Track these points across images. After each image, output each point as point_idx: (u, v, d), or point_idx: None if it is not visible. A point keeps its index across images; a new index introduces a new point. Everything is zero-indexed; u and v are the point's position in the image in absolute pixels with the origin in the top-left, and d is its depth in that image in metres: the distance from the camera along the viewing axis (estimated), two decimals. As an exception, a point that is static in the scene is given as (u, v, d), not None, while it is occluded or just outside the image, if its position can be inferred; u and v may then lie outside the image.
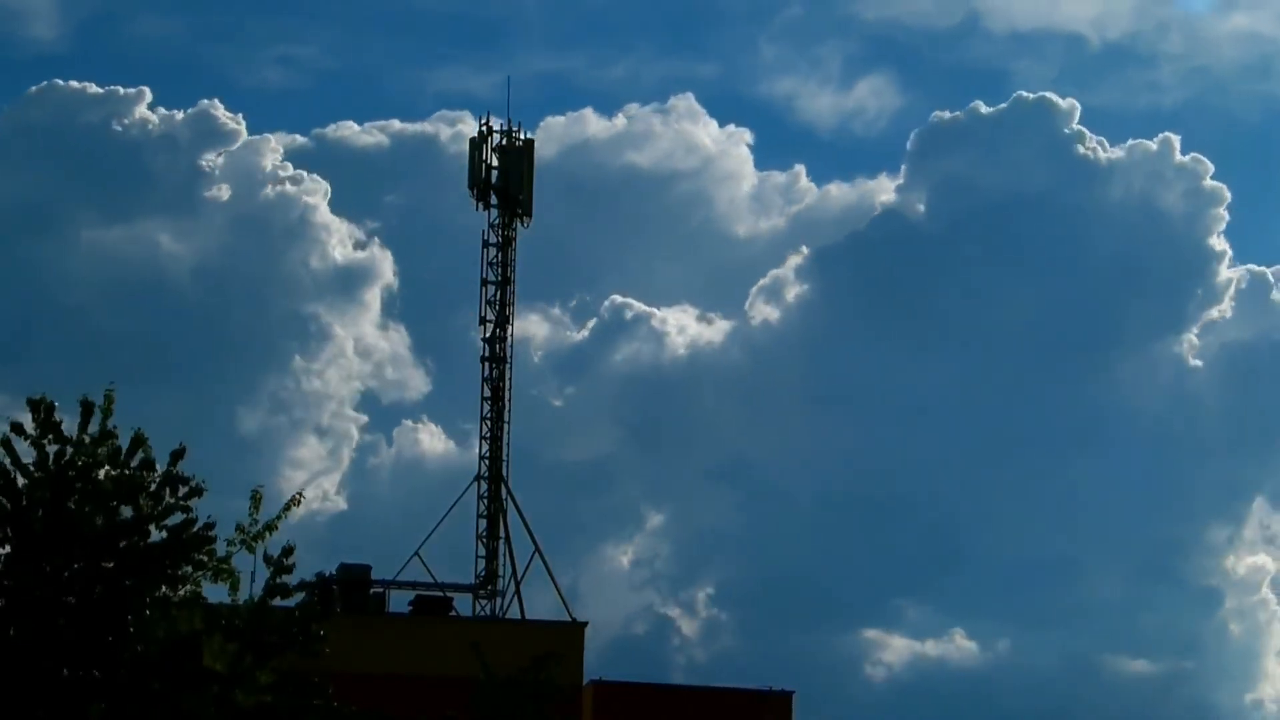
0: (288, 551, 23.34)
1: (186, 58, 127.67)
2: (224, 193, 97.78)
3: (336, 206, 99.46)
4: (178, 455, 23.09)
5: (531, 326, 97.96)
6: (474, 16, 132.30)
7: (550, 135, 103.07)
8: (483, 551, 67.88)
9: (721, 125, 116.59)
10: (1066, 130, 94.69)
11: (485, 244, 69.75)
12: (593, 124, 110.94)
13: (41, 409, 22.77)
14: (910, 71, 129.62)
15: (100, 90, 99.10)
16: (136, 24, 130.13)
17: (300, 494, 23.65)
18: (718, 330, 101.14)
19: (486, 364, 69.17)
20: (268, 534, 23.22)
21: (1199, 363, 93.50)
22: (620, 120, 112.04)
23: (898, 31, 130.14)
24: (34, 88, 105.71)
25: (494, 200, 70.22)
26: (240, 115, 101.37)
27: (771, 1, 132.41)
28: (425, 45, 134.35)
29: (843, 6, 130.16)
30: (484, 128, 70.72)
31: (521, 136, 71.08)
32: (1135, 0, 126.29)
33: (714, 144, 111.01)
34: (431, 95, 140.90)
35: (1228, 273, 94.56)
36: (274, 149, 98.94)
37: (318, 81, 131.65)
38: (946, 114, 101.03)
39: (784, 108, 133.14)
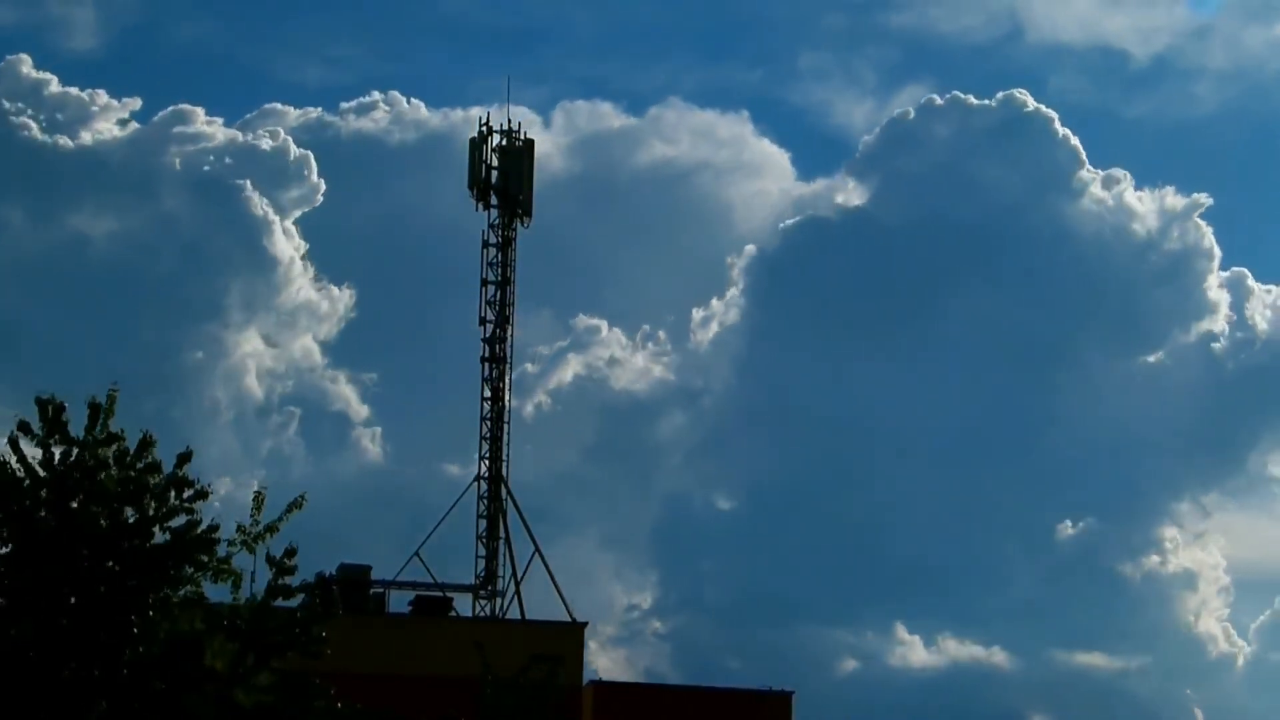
0: (290, 553, 23.39)
1: (222, 64, 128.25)
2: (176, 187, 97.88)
3: (330, 202, 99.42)
4: (184, 458, 23.14)
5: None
6: (514, 26, 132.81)
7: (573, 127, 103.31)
8: (483, 551, 67.93)
9: (758, 132, 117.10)
10: (1030, 127, 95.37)
11: (485, 244, 69.82)
12: (621, 125, 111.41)
13: (50, 410, 22.83)
14: (950, 82, 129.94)
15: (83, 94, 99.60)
16: (174, 31, 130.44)
17: (303, 496, 23.70)
18: (663, 351, 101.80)
19: (486, 364, 69.25)
20: (269, 535, 23.27)
21: (1143, 372, 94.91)
22: (647, 123, 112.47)
23: (939, 41, 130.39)
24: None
25: (494, 200, 70.29)
26: (219, 119, 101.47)
27: (812, 11, 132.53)
28: (465, 51, 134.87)
29: (883, 16, 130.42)
30: (484, 128, 70.80)
31: (522, 137, 71.15)
32: (1176, 13, 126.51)
33: (744, 150, 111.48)
34: (471, 99, 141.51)
35: (1203, 284, 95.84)
36: (252, 142, 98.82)
37: (356, 79, 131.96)
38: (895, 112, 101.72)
39: (821, 115, 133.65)
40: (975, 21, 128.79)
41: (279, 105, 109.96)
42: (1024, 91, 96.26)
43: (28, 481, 22.73)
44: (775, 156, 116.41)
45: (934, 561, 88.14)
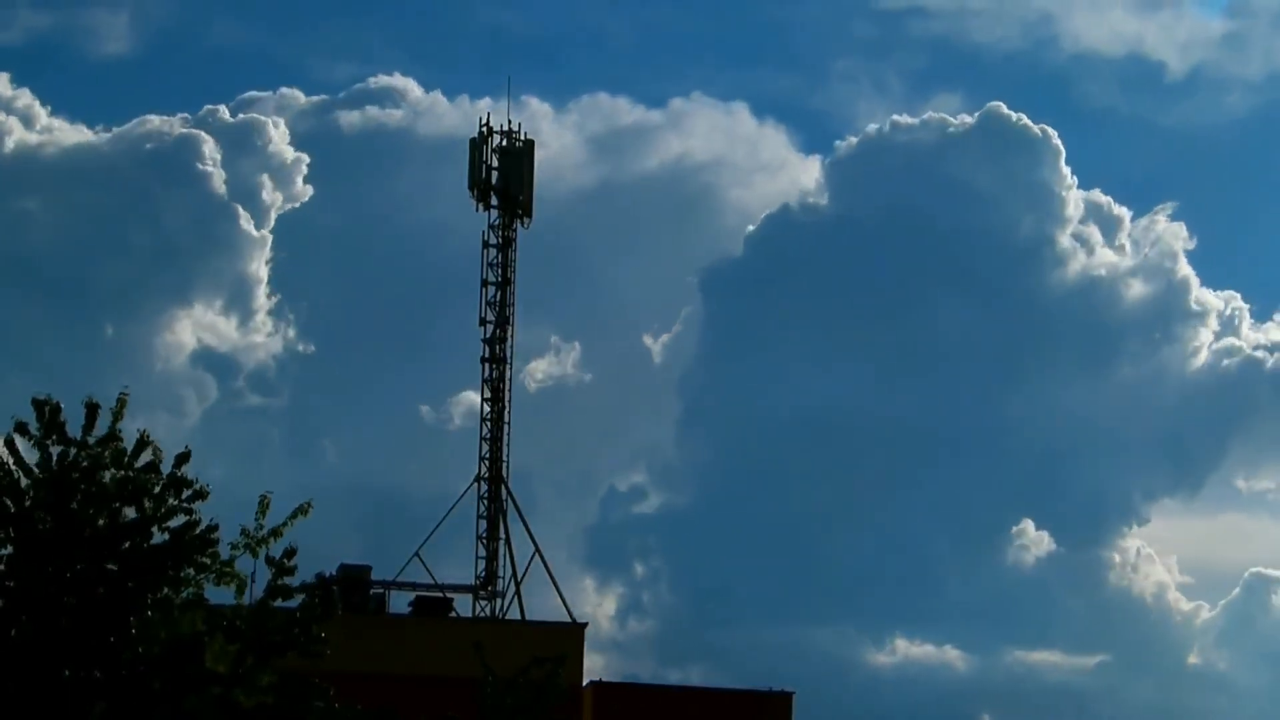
0: (290, 553, 23.36)
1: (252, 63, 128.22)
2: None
3: (322, 195, 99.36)
4: (183, 459, 23.14)
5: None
6: (544, 34, 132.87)
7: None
8: (483, 552, 67.95)
9: (792, 143, 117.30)
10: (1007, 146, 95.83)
11: (485, 244, 69.90)
12: (639, 124, 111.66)
13: (46, 410, 22.81)
14: (980, 90, 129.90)
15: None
16: (207, 35, 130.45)
17: (309, 503, 23.65)
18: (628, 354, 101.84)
19: (486, 365, 69.28)
20: (272, 539, 23.25)
21: (1110, 381, 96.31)
22: (666, 123, 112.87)
23: (971, 50, 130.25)
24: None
25: (494, 200, 70.35)
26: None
27: (843, 18, 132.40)
28: (499, 58, 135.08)
29: (916, 24, 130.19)
30: (484, 129, 70.82)
31: (522, 137, 71.23)
32: (1211, 23, 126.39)
33: (766, 154, 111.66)
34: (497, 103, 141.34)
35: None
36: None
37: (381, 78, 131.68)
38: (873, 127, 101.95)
39: (849, 121, 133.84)
40: (1009, 31, 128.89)
41: (285, 94, 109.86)
42: (1002, 104, 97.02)
43: (26, 482, 22.73)
44: (800, 163, 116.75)
45: (893, 562, 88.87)
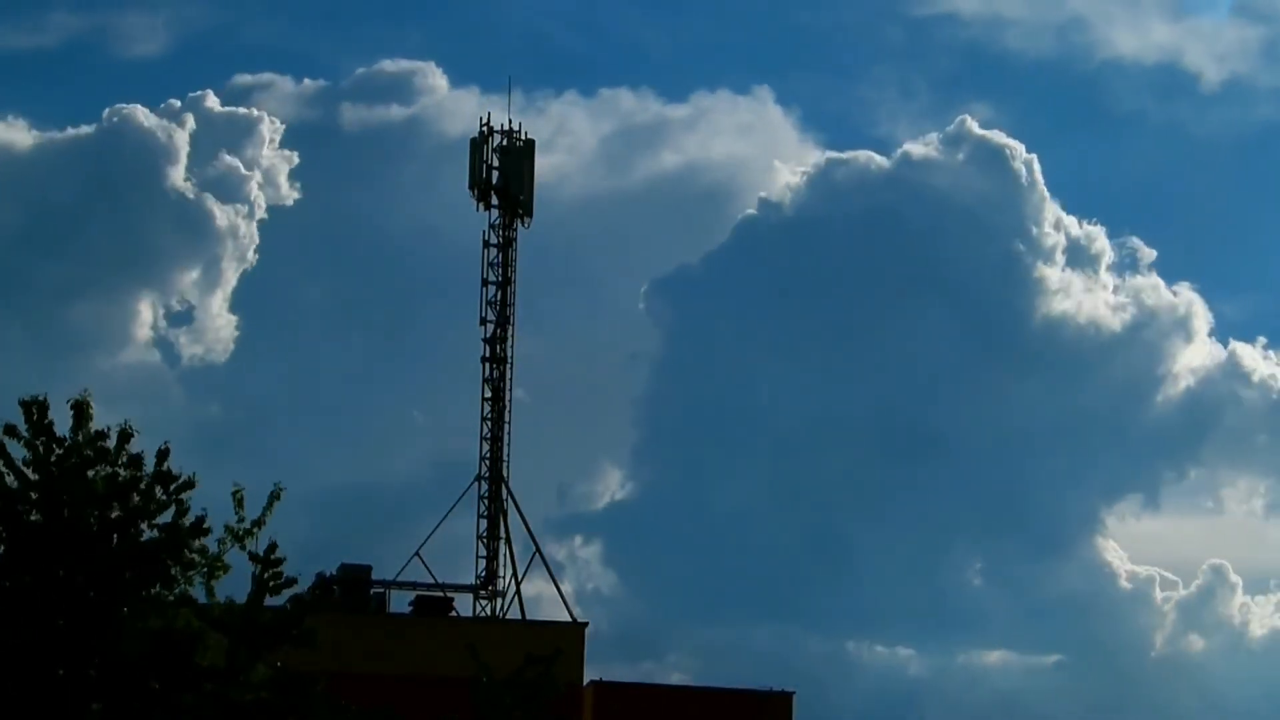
0: (273, 548, 23.43)
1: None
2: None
3: (309, 196, 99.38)
4: (163, 455, 23.10)
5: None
6: (566, 36, 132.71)
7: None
8: (483, 551, 67.99)
9: (816, 147, 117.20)
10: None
11: (486, 244, 69.94)
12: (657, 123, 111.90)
13: (34, 411, 22.76)
14: (1008, 97, 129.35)
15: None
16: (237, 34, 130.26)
17: (278, 485, 23.69)
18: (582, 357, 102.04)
19: (487, 364, 69.30)
20: (256, 529, 23.30)
21: (1070, 384, 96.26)
22: (684, 123, 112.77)
23: (1001, 56, 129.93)
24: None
25: (495, 200, 70.40)
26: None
27: (875, 24, 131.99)
28: (532, 69, 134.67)
29: (948, 31, 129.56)
30: (485, 128, 70.85)
31: (523, 137, 71.26)
32: (1247, 33, 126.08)
33: (786, 158, 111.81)
34: (518, 106, 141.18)
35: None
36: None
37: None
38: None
39: (872, 126, 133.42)
40: (1041, 39, 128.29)
41: (303, 86, 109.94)
42: (974, 119, 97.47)
43: (17, 484, 22.70)
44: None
45: (862, 564, 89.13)
